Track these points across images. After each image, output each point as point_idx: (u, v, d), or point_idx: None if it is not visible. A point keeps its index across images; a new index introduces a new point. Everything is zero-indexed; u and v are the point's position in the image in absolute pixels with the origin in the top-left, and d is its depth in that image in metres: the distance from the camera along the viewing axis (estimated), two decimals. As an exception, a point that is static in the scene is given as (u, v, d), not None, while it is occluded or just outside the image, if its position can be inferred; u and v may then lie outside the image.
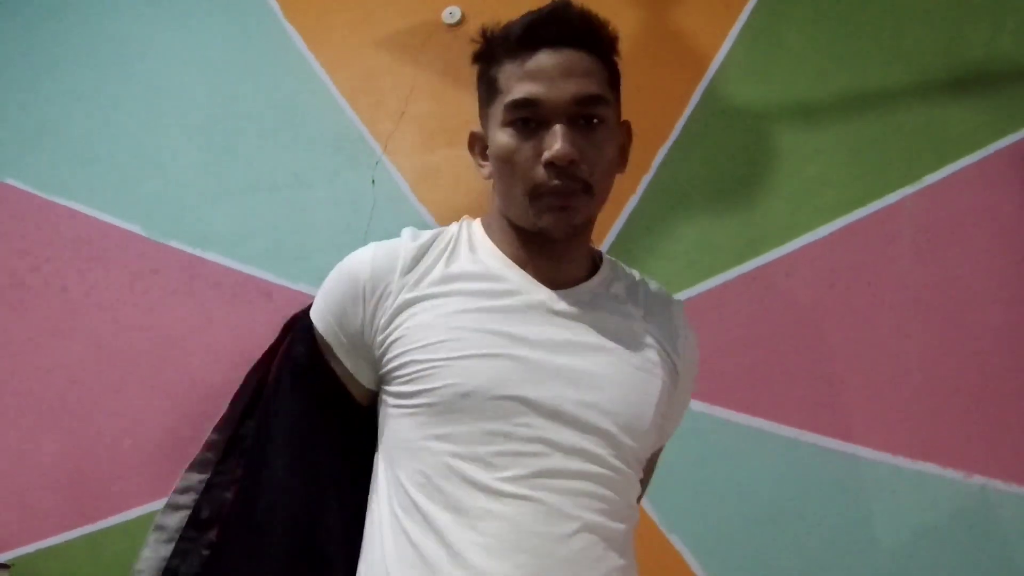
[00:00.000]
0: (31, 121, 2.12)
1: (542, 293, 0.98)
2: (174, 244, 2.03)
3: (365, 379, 1.00)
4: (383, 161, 1.99)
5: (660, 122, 1.93)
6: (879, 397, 1.74)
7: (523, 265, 1.00)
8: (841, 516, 1.71)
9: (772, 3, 1.94)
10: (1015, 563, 1.66)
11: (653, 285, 1.10)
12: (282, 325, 1.07)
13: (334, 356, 1.00)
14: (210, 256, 2.01)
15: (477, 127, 1.04)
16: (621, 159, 1.02)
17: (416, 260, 0.99)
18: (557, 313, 0.97)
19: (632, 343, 0.99)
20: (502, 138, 0.95)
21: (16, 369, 2.02)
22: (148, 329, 1.99)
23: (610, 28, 0.98)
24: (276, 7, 2.11)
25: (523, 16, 0.96)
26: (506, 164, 0.95)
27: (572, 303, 0.99)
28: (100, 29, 2.15)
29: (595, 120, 0.94)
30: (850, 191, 1.83)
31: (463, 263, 1.00)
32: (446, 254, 1.00)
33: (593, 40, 0.96)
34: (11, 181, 2.10)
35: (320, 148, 2.03)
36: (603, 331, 0.98)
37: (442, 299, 0.96)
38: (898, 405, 1.73)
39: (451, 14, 2.01)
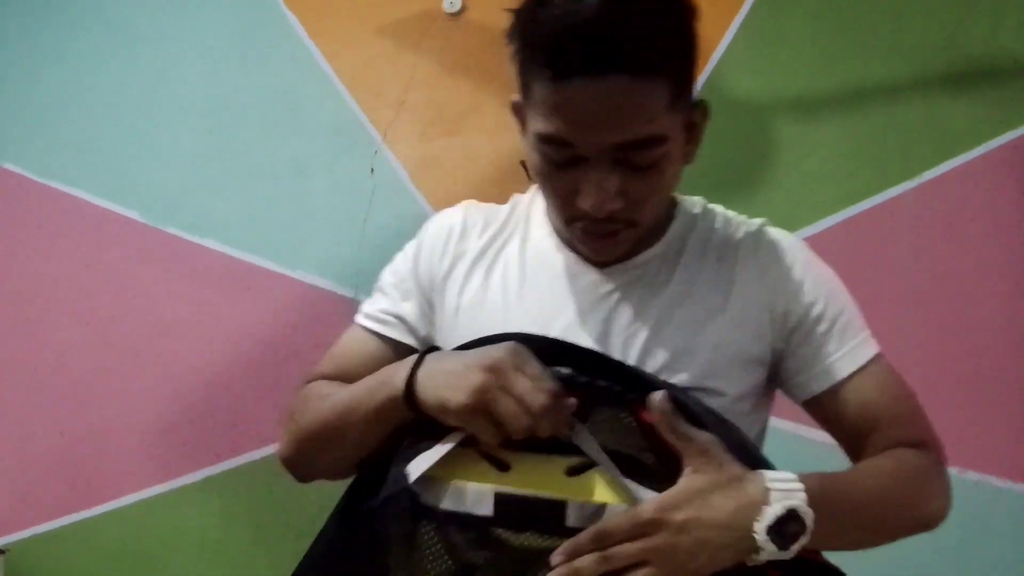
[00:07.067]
0: (30, 106, 2.11)
1: (589, 276, 0.89)
2: (172, 231, 2.02)
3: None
4: (382, 150, 1.99)
5: (660, 114, 1.92)
6: (875, 392, 1.74)
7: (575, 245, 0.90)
8: (835, 510, 1.71)
9: (774, -4, 1.94)
10: (1010, 559, 1.66)
11: (745, 228, 0.96)
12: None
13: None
14: (208, 243, 2.01)
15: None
16: (691, 150, 0.87)
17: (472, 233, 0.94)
18: (601, 297, 0.87)
19: (681, 310, 0.87)
20: (535, 156, 0.79)
21: (12, 354, 2.01)
22: (145, 315, 1.99)
23: (676, 8, 0.73)
24: (277, -6, 2.10)
25: (554, 16, 0.70)
26: (541, 182, 0.81)
27: (619, 283, 0.88)
28: (100, 15, 2.14)
29: (645, 163, 0.76)
30: (849, 186, 1.83)
31: (512, 249, 0.92)
32: (505, 232, 0.94)
33: (649, 57, 0.70)
34: (9, 166, 2.09)
35: (319, 136, 2.02)
36: (643, 310, 0.87)
37: (484, 281, 0.91)
38: (894, 400, 1.73)
39: (451, 3, 2.01)
